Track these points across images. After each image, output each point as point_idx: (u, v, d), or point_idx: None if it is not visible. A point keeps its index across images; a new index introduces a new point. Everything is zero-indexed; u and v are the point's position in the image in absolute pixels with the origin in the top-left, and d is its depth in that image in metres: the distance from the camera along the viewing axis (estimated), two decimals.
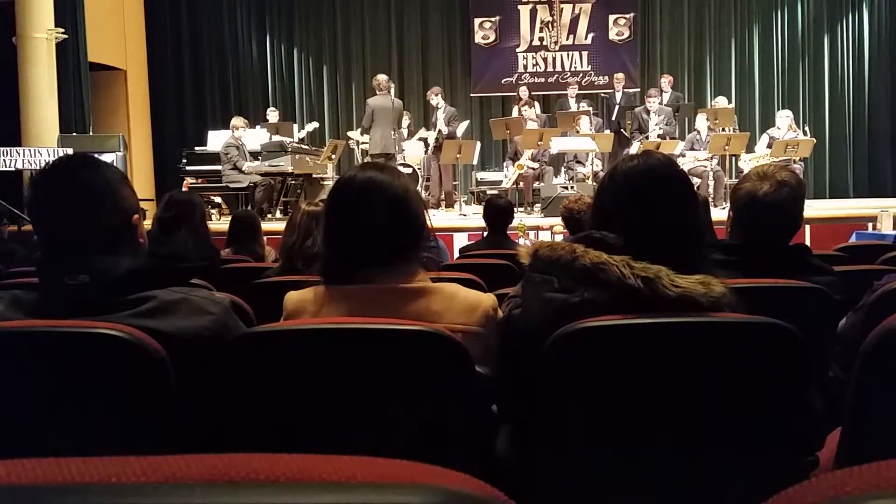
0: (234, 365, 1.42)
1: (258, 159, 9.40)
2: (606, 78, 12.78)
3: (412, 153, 10.44)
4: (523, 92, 11.18)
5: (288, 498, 0.44)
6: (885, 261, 3.31)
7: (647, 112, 10.30)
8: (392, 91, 9.72)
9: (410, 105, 12.45)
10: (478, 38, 13.35)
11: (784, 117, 9.91)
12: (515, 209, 8.57)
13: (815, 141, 9.91)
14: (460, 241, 7.16)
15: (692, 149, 9.68)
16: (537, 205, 9.53)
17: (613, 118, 11.24)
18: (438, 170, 10.21)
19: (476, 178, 11.19)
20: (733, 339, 1.40)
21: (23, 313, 1.44)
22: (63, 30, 9.48)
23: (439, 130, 10.13)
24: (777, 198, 2.08)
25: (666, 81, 11.07)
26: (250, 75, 13.35)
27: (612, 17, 13.16)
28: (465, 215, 9.15)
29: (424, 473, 0.47)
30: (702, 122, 9.83)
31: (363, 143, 10.84)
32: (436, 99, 10.35)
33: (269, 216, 9.21)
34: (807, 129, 10.60)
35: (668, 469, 1.39)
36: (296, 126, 11.59)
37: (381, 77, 9.87)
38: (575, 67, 13.15)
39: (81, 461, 0.47)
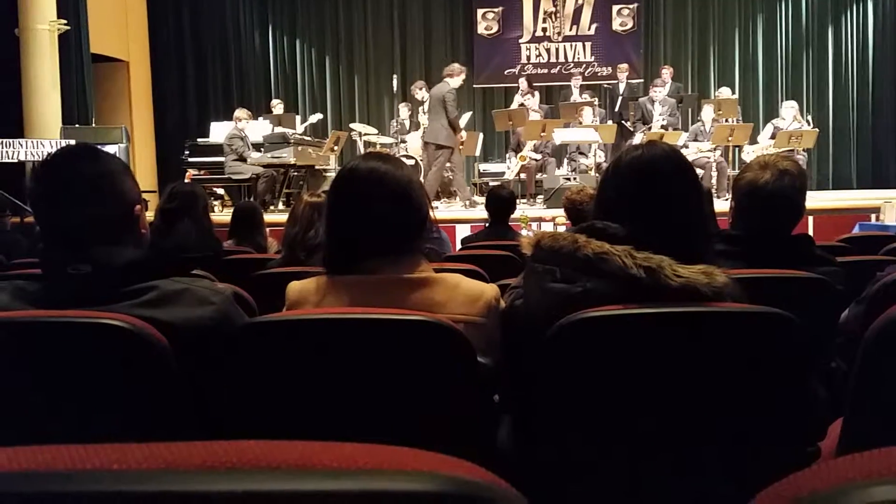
0: (236, 355, 1.42)
1: (261, 151, 9.40)
2: (609, 69, 12.74)
3: (415, 145, 10.42)
4: (522, 83, 11.12)
5: (289, 484, 0.44)
6: (887, 251, 3.31)
7: (652, 102, 10.26)
8: (455, 79, 9.48)
9: (413, 97, 12.43)
10: (480, 29, 13.31)
11: (789, 108, 9.90)
12: (518, 200, 8.57)
13: (818, 131, 9.88)
14: (462, 232, 7.16)
15: (696, 139, 9.65)
16: (540, 196, 9.52)
17: (616, 109, 11.20)
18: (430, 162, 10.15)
19: (478, 170, 11.18)
20: (735, 328, 1.40)
21: (26, 303, 1.44)
22: (65, 21, 9.46)
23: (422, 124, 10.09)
24: (778, 187, 2.08)
25: (667, 72, 11.00)
26: (253, 67, 13.34)
27: (615, 8, 13.11)
28: (466, 206, 9.14)
29: (425, 460, 0.47)
30: (708, 113, 9.77)
31: (366, 134, 10.83)
32: (420, 93, 10.27)
33: (272, 208, 9.21)
34: (809, 119, 10.57)
35: (668, 458, 1.39)
36: (298, 118, 11.57)
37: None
38: (578, 58, 13.11)
39: (83, 448, 0.47)
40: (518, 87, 11.31)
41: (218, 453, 0.45)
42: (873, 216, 8.03)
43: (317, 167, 10.23)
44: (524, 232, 5.94)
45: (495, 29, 13.29)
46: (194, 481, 0.44)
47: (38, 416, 1.36)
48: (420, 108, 10.25)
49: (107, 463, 0.45)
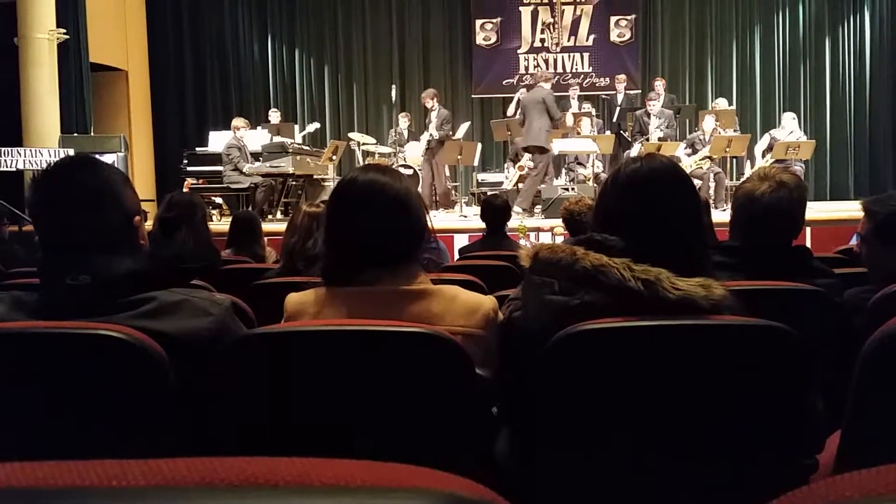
0: (234, 366, 1.42)
1: (259, 160, 9.41)
2: (607, 79, 12.78)
3: (413, 154, 10.44)
4: (523, 94, 11.13)
5: (287, 502, 0.44)
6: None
7: (648, 115, 10.29)
8: (549, 83, 9.47)
9: (411, 107, 12.46)
10: (479, 40, 13.36)
11: (791, 119, 9.99)
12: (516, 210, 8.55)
13: (815, 142, 9.93)
14: (461, 242, 7.16)
15: (693, 147, 9.64)
16: (538, 206, 9.53)
17: (614, 120, 11.23)
18: (431, 172, 10.17)
19: (477, 180, 11.20)
20: (733, 341, 1.40)
21: (24, 314, 1.44)
22: (65, 30, 9.48)
23: (430, 134, 10.11)
24: (775, 198, 2.08)
25: (660, 84, 10.97)
26: (251, 76, 13.37)
27: (613, 19, 13.17)
28: (465, 216, 9.15)
29: (425, 477, 0.47)
30: (709, 122, 9.73)
31: (364, 144, 10.85)
32: (431, 102, 10.32)
33: (270, 217, 9.21)
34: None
35: (667, 472, 1.39)
36: (297, 127, 11.59)
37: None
38: (576, 69, 13.16)
39: (81, 464, 0.47)
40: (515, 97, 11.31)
41: (217, 470, 0.45)
42: None
43: (315, 177, 10.25)
44: (522, 242, 5.95)
45: (494, 39, 13.33)
46: (192, 499, 0.44)
47: (35, 428, 1.36)
48: (430, 116, 10.27)
49: (105, 480, 0.45)
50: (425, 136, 10.28)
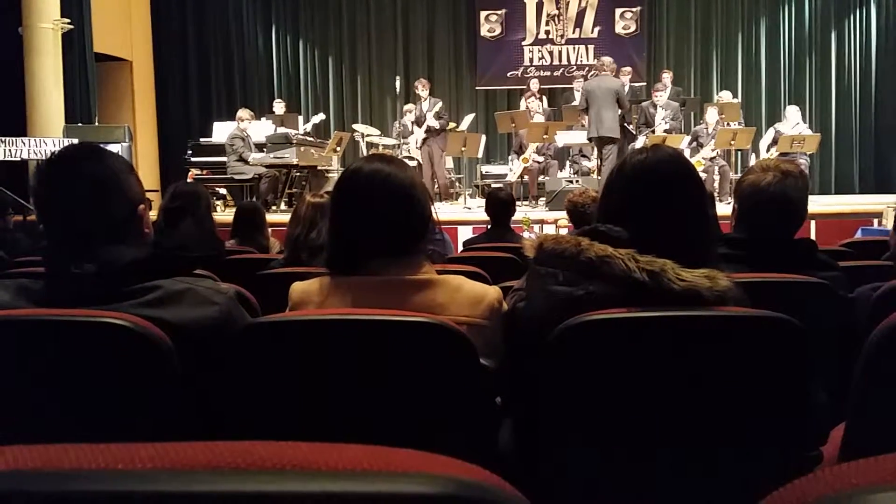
0: (238, 355, 1.42)
1: (263, 151, 9.41)
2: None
3: (416, 146, 10.43)
4: (534, 84, 11.11)
5: (295, 486, 0.44)
6: (889, 257, 3.29)
7: (654, 106, 10.25)
8: (612, 71, 9.38)
9: (416, 99, 12.45)
10: (483, 31, 13.33)
11: (795, 111, 9.97)
12: (520, 203, 8.56)
13: (820, 136, 9.90)
14: (465, 234, 7.17)
15: (697, 140, 9.61)
16: (542, 198, 9.52)
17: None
18: (431, 164, 10.13)
19: (481, 172, 11.19)
20: (737, 333, 1.39)
21: (29, 302, 1.44)
22: (69, 20, 9.47)
23: (428, 125, 10.07)
24: (782, 187, 2.08)
25: (667, 76, 10.91)
26: (256, 67, 13.36)
27: (618, 11, 13.12)
28: (469, 208, 9.15)
29: (433, 462, 0.47)
30: (713, 115, 9.71)
31: (368, 135, 10.84)
32: (424, 92, 10.28)
33: (274, 208, 9.21)
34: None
35: (671, 463, 1.39)
36: (301, 118, 11.58)
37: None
38: (581, 61, 13.12)
39: (88, 447, 0.47)
40: (526, 88, 11.25)
41: (223, 454, 0.45)
42: (875, 221, 8.02)
43: (319, 168, 10.24)
44: (526, 234, 5.95)
45: (498, 31, 13.30)
46: (199, 482, 0.44)
47: (41, 415, 1.36)
48: (420, 105, 10.24)
49: (112, 462, 0.45)
50: (420, 131, 10.18)
